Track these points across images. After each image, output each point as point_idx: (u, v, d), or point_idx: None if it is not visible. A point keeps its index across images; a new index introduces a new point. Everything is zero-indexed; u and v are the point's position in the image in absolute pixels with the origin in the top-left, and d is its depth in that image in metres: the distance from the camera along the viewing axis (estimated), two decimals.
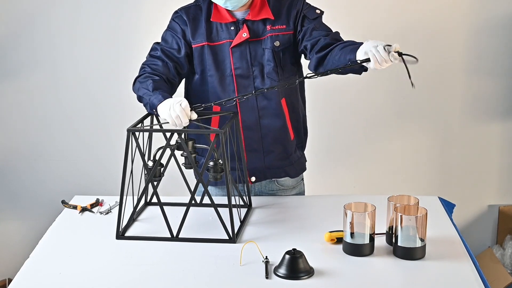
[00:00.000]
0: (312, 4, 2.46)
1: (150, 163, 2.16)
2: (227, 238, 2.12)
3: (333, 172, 3.64)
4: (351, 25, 3.32)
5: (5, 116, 3.60)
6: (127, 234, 2.18)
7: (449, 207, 2.44)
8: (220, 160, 2.16)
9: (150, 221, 2.29)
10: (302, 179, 2.62)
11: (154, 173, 2.13)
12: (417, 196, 2.13)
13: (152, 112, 2.25)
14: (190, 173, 2.34)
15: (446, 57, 3.54)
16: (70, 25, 3.48)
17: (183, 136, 2.14)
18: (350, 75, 2.29)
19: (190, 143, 2.17)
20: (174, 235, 2.13)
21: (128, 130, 2.10)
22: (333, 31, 2.41)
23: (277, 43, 2.40)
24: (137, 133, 2.12)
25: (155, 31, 3.49)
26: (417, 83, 3.58)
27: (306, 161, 2.61)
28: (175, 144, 2.15)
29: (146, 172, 2.16)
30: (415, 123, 3.64)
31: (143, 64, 2.42)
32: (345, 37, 2.51)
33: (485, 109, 3.62)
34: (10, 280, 3.55)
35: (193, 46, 2.41)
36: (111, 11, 3.47)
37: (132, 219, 2.25)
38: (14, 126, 3.61)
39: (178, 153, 2.22)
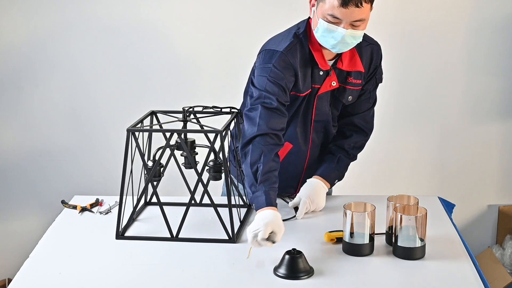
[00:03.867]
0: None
1: (150, 163, 2.16)
2: (227, 238, 2.12)
3: None
4: None
5: (5, 116, 3.59)
6: (127, 234, 2.18)
7: (449, 207, 2.44)
8: (220, 160, 2.16)
9: (150, 221, 2.29)
10: None
11: (154, 173, 2.13)
12: (417, 196, 2.13)
13: (251, 203, 2.16)
14: (189, 173, 2.34)
15: (446, 57, 3.54)
16: (71, 24, 3.48)
17: (182, 136, 2.15)
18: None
19: (190, 143, 2.17)
20: (174, 235, 2.13)
21: (128, 130, 2.10)
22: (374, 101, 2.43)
23: (350, 98, 2.34)
24: (137, 133, 2.12)
25: (156, 30, 3.50)
26: (417, 84, 3.59)
27: None
28: (174, 144, 2.15)
29: (145, 172, 2.16)
30: (415, 123, 3.64)
31: (259, 120, 2.15)
32: None
33: (485, 109, 3.61)
34: (10, 280, 3.55)
35: (300, 94, 2.25)
36: (111, 11, 3.47)
37: (132, 219, 2.25)
38: (14, 126, 3.61)
39: (178, 153, 2.22)
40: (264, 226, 1.98)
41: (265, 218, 2.02)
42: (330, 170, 2.39)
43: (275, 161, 2.16)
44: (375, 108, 2.47)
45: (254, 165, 2.13)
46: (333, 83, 2.28)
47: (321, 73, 2.25)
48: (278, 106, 2.17)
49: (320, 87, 2.27)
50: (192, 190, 2.22)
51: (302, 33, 2.24)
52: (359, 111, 2.41)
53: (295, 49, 2.21)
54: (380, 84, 2.43)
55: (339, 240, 2.08)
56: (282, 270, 1.91)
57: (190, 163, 2.16)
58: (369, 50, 2.32)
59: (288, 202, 2.39)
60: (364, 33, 2.25)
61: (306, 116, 2.33)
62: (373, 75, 2.36)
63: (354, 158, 2.46)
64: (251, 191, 2.12)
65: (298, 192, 2.37)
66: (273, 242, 2.00)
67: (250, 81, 2.28)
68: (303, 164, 2.42)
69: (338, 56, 2.27)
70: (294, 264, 1.91)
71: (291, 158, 2.36)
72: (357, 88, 2.33)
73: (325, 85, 2.27)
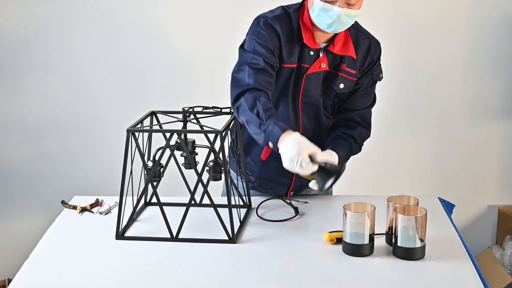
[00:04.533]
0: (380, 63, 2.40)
1: (150, 163, 2.16)
2: (227, 238, 2.12)
3: None
4: None
5: (5, 117, 3.60)
6: (127, 234, 2.18)
7: (448, 207, 2.45)
8: (220, 160, 2.16)
9: (150, 221, 2.29)
10: None
11: (154, 173, 2.13)
12: (416, 196, 2.13)
13: (267, 144, 2.08)
14: (189, 173, 2.34)
15: (445, 57, 3.54)
16: (71, 25, 3.48)
17: (182, 136, 2.15)
18: None
19: (190, 143, 2.17)
20: (174, 236, 2.13)
21: (128, 131, 2.10)
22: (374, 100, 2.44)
23: (341, 86, 2.33)
24: (136, 133, 2.12)
25: (156, 30, 3.50)
26: (417, 84, 3.59)
27: None
28: (174, 144, 2.15)
29: (145, 172, 2.16)
30: (415, 124, 3.64)
31: (243, 77, 2.19)
32: None
33: (485, 109, 3.62)
34: (10, 280, 3.55)
35: (284, 65, 2.27)
36: (111, 11, 3.47)
37: (132, 219, 2.25)
38: (14, 126, 3.61)
39: (177, 153, 2.22)
40: (298, 155, 1.96)
41: (294, 144, 1.98)
42: (341, 149, 2.33)
43: (271, 103, 2.16)
44: (376, 107, 2.47)
45: (254, 109, 2.11)
46: (323, 65, 2.30)
47: (312, 53, 2.28)
48: (265, 66, 2.20)
49: (310, 67, 2.29)
50: (192, 190, 2.22)
51: (292, 10, 2.29)
52: (357, 107, 2.41)
53: (282, 19, 2.26)
54: (380, 84, 2.43)
55: (339, 240, 2.08)
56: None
57: (190, 163, 2.16)
58: (366, 43, 2.34)
59: (288, 203, 2.39)
60: (365, 29, 2.32)
61: (294, 96, 2.34)
62: (370, 70, 2.37)
63: (360, 149, 2.46)
64: (261, 130, 2.09)
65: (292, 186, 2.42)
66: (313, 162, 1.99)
67: (240, 47, 2.32)
68: None
69: (331, 40, 2.30)
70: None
71: None
72: (351, 78, 2.34)
73: (314, 66, 2.29)
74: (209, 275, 1.92)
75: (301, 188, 2.52)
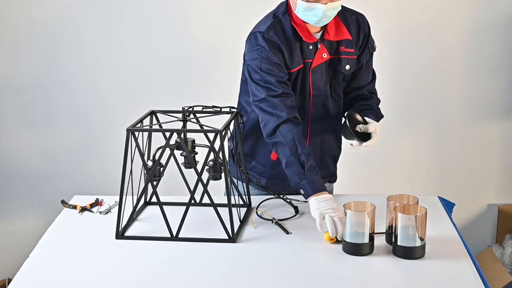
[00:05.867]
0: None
1: (150, 163, 2.16)
2: (227, 237, 2.12)
3: None
4: None
5: (5, 116, 3.59)
6: (127, 234, 2.18)
7: (448, 206, 2.44)
8: (219, 160, 2.16)
9: (150, 220, 2.29)
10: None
11: (154, 173, 2.13)
12: (416, 195, 2.13)
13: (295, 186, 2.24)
14: (189, 173, 2.34)
15: (446, 57, 3.54)
16: (70, 24, 3.48)
17: (182, 136, 2.15)
18: None
19: (189, 142, 2.17)
20: (174, 235, 2.13)
21: (128, 130, 2.10)
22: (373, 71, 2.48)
23: (347, 67, 2.37)
24: (136, 133, 2.12)
25: (156, 30, 3.50)
26: (417, 83, 3.59)
27: None
28: (174, 144, 2.15)
29: (145, 172, 2.16)
30: (415, 123, 3.64)
31: (271, 108, 2.26)
32: None
33: (485, 109, 3.62)
34: (10, 280, 3.55)
35: (291, 71, 2.30)
36: (112, 11, 3.47)
37: (132, 218, 2.25)
38: (14, 126, 3.61)
39: (177, 152, 2.22)
40: (339, 210, 2.12)
41: (333, 202, 2.15)
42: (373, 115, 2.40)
43: (307, 145, 2.29)
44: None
45: (295, 154, 2.22)
46: (324, 55, 2.33)
47: (311, 47, 2.31)
48: (283, 90, 2.25)
49: (312, 61, 2.32)
50: (192, 190, 2.22)
51: (282, 13, 2.31)
52: (364, 83, 2.45)
53: (275, 28, 2.28)
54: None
55: (339, 239, 2.08)
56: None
57: (190, 162, 2.16)
58: (354, 19, 2.39)
59: (290, 203, 2.39)
60: (346, 7, 2.37)
61: (304, 92, 2.36)
62: (365, 44, 2.41)
63: (381, 114, 2.49)
64: (299, 179, 2.20)
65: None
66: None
67: (247, 71, 2.34)
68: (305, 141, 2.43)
69: (324, 28, 2.32)
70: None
71: None
72: (352, 57, 2.37)
73: (316, 58, 2.32)
74: (209, 275, 1.92)
75: None
